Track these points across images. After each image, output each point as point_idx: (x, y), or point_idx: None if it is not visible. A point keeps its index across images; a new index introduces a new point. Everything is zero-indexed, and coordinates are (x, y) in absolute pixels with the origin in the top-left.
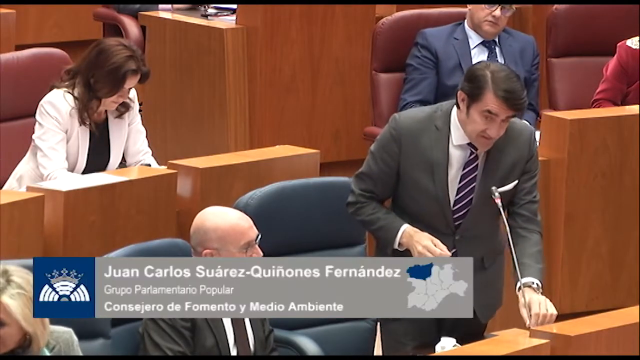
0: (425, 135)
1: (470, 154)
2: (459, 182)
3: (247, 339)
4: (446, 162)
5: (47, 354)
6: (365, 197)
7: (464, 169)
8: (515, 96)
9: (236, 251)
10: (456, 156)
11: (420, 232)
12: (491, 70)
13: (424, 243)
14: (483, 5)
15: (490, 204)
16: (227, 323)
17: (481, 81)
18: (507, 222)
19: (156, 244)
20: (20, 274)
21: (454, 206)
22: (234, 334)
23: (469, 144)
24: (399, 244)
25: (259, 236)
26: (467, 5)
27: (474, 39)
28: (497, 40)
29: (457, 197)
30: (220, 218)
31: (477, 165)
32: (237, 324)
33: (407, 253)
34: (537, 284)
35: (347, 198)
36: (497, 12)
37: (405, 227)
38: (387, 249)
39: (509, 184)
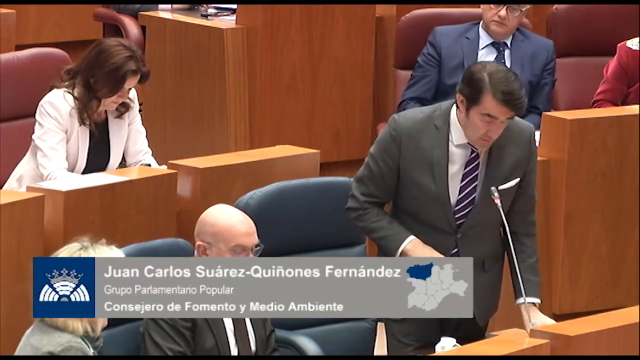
0: (425, 135)
1: (471, 153)
2: (461, 181)
3: (248, 339)
4: (446, 161)
5: None
6: (368, 202)
7: (465, 167)
8: (514, 97)
9: (225, 251)
10: (457, 155)
11: (428, 247)
12: (489, 72)
13: None
14: (490, 5)
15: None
16: (228, 323)
17: (480, 84)
18: (507, 223)
19: (157, 243)
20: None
21: (456, 205)
22: (235, 334)
23: (469, 143)
24: (402, 252)
25: (259, 247)
26: (480, 5)
27: (484, 40)
28: (509, 42)
29: (460, 196)
30: (222, 216)
31: (478, 163)
32: (238, 324)
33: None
34: (537, 303)
35: (347, 198)
36: (503, 12)
37: (413, 237)
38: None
39: (510, 181)
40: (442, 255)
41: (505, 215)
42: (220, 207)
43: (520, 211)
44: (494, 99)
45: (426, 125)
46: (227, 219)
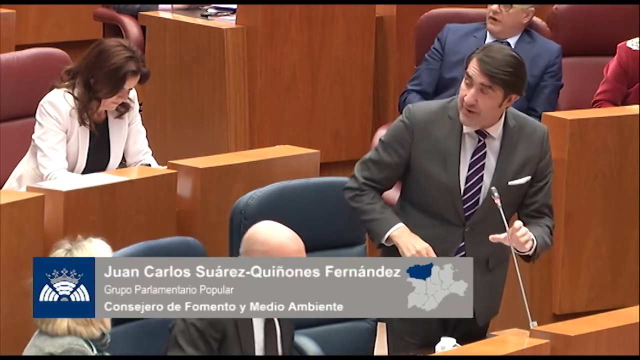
0: (439, 125)
1: (479, 142)
2: (468, 171)
3: (277, 352)
4: (458, 151)
5: None
6: (366, 185)
7: (472, 156)
8: (491, 62)
9: None
10: (467, 145)
11: (415, 235)
12: (491, 44)
13: (418, 248)
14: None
15: (504, 199)
16: (258, 335)
17: (475, 50)
18: (508, 224)
19: (165, 242)
20: None
21: (464, 195)
22: (265, 347)
23: (477, 131)
24: (389, 237)
25: None
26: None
27: (489, 39)
28: (513, 42)
29: (467, 185)
30: (273, 233)
31: (484, 153)
32: (269, 336)
33: (393, 249)
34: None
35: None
36: (494, 6)
37: (402, 225)
38: (374, 242)
39: (520, 179)
40: (427, 245)
41: (508, 215)
42: (270, 225)
43: (532, 209)
44: (475, 58)
45: (440, 115)
46: (278, 237)
